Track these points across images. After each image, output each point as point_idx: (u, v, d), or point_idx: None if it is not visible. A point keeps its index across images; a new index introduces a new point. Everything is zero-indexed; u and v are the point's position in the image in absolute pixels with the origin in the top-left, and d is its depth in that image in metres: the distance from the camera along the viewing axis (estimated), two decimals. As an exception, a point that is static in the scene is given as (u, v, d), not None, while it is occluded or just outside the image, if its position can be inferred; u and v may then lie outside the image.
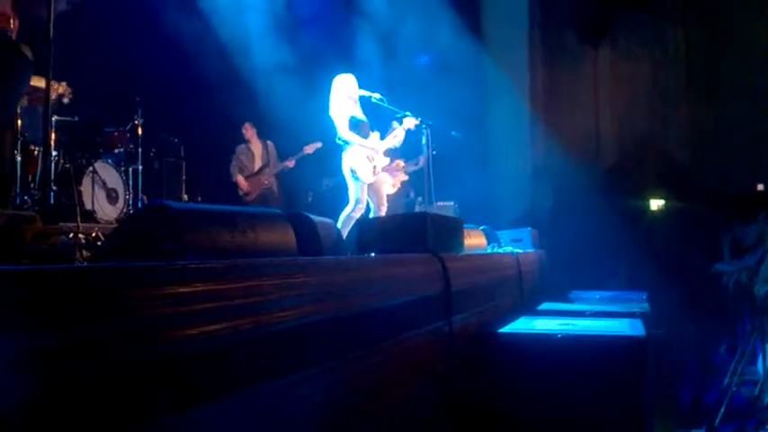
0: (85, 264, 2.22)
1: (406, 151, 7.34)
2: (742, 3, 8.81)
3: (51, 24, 3.24)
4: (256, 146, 8.26)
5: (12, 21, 3.49)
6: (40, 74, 3.87)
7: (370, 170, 5.88)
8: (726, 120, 8.67)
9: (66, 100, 4.99)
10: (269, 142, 8.30)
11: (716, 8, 8.92)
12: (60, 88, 4.87)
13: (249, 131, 8.25)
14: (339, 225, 5.41)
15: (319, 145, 7.92)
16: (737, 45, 8.68)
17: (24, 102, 4.22)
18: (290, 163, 8.14)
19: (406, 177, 8.02)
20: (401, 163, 7.68)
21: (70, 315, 1.18)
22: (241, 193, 8.08)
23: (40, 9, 3.43)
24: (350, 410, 2.14)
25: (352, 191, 5.85)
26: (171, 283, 1.43)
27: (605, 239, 7.88)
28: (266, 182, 8.12)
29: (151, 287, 1.38)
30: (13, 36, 3.45)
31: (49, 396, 1.11)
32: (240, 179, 8.09)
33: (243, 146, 8.26)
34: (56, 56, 3.28)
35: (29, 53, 3.52)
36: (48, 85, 3.35)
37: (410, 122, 6.02)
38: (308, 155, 8.04)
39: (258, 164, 8.21)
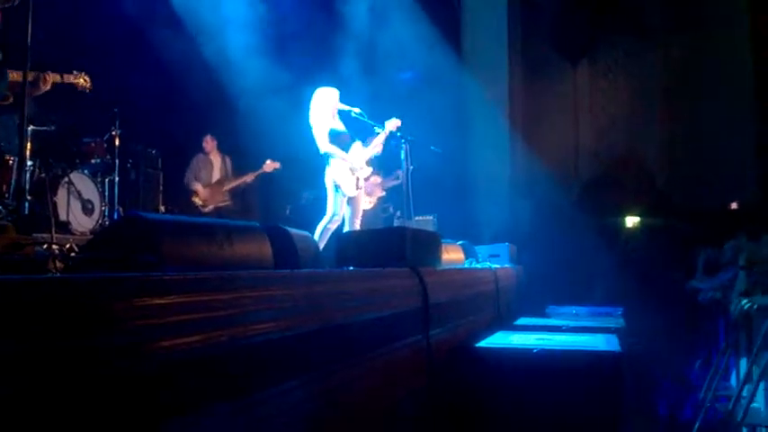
0: (59, 275, 2.19)
1: (385, 166, 7.37)
2: (723, 22, 8.96)
3: (29, 29, 3.22)
4: (216, 157, 8.25)
5: None
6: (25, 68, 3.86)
7: (353, 183, 5.90)
8: (703, 139, 8.80)
9: (87, 90, 4.96)
10: (227, 157, 8.30)
11: (696, 27, 9.07)
12: (81, 79, 4.85)
13: (210, 144, 8.25)
14: (316, 237, 5.41)
15: (278, 165, 7.96)
16: (717, 64, 8.82)
17: (9, 99, 4.17)
18: (249, 180, 8.12)
19: (383, 193, 8.05)
20: (378, 179, 7.71)
21: (43, 326, 1.17)
22: (198, 202, 8.01)
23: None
24: (328, 424, 2.13)
25: (331, 203, 5.86)
26: (147, 295, 1.42)
27: (582, 255, 7.94)
28: (224, 196, 8.10)
29: (127, 299, 1.37)
30: None
31: (20, 409, 1.08)
32: (199, 187, 8.05)
33: (201, 155, 8.23)
34: (33, 65, 3.26)
35: None
36: (23, 93, 3.32)
37: (392, 124, 6.04)
38: (275, 171, 8.04)
39: (216, 175, 8.21)
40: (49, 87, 4.36)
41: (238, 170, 8.29)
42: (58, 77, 4.42)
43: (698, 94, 8.93)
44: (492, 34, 9.36)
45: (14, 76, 3.66)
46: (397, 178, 8.05)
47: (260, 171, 8.10)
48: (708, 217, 7.86)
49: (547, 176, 8.91)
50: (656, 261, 8.28)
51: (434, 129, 7.48)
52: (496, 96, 9.19)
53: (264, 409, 1.77)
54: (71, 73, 4.75)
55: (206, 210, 7.97)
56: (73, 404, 1.18)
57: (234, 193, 8.23)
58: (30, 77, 3.85)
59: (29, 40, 3.28)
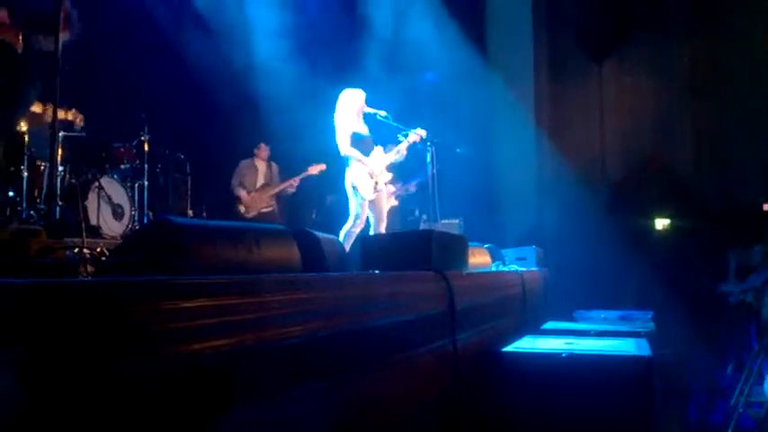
0: (90, 278, 2.22)
1: (409, 168, 7.35)
2: (748, 20, 8.82)
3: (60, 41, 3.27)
4: (261, 164, 8.28)
5: (18, 36, 3.53)
6: (46, 98, 3.93)
7: (371, 187, 5.89)
8: (732, 138, 8.66)
9: (77, 126, 5.02)
10: (273, 163, 8.34)
11: (721, 25, 8.94)
12: (70, 115, 4.91)
13: (264, 152, 8.27)
14: (340, 241, 5.42)
15: (323, 167, 7.97)
16: (744, 63, 8.68)
17: (24, 125, 4.25)
18: (294, 183, 8.15)
19: (396, 202, 8.03)
20: (392, 187, 7.69)
21: (74, 330, 1.18)
22: (242, 209, 8.06)
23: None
24: (354, 427, 2.13)
25: (353, 206, 5.87)
26: (176, 299, 1.43)
27: (610, 258, 7.86)
28: (268, 201, 8.12)
29: (156, 302, 1.38)
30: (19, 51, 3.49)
31: (50, 412, 1.10)
32: (243, 194, 8.08)
33: (248, 161, 8.27)
34: (64, 71, 3.31)
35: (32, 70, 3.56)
36: (55, 103, 3.38)
37: (415, 136, 6.03)
38: (315, 174, 8.08)
39: (261, 181, 8.23)
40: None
41: (283, 176, 8.32)
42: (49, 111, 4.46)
43: (725, 91, 8.79)
44: (517, 34, 9.32)
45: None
46: (408, 189, 8.06)
47: (305, 174, 8.12)
48: (739, 218, 7.72)
49: (574, 178, 8.83)
50: (686, 264, 8.16)
51: (460, 130, 7.47)
52: (522, 96, 9.14)
53: (291, 412, 1.77)
54: (62, 108, 4.78)
55: (249, 215, 8.01)
56: (104, 408, 1.19)
57: (279, 197, 8.27)
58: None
59: (59, 46, 3.34)
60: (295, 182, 8.16)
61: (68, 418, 1.13)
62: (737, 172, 8.47)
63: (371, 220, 6.01)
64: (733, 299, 6.03)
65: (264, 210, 8.10)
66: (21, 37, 3.37)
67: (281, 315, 1.77)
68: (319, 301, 2.00)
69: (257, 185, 8.19)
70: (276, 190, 8.17)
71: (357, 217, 5.82)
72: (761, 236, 6.20)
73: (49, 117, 4.09)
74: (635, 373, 3.05)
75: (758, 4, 8.77)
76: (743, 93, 8.62)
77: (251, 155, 8.27)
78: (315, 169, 8.05)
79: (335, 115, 5.90)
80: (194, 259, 1.84)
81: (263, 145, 8.25)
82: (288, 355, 1.77)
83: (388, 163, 6.10)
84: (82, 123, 5.01)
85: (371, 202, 5.93)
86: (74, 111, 4.96)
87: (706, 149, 8.96)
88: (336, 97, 5.99)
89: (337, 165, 6.19)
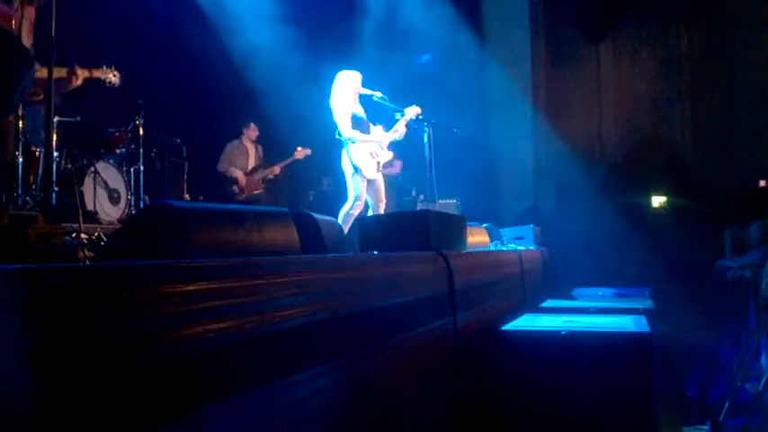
0: (89, 263, 2.22)
1: (407, 148, 7.33)
2: (747, 1, 8.79)
3: (53, 22, 3.24)
4: (250, 145, 8.24)
5: (12, 20, 3.49)
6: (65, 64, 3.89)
7: (373, 166, 5.89)
8: (729, 116, 8.66)
9: (116, 85, 4.98)
10: (259, 146, 8.30)
11: (719, 5, 8.91)
12: (110, 74, 4.88)
13: (253, 132, 8.21)
14: (339, 222, 5.42)
15: (309, 152, 7.96)
16: (741, 42, 8.66)
17: (40, 96, 4.18)
18: (277, 169, 8.13)
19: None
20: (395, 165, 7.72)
21: (77, 314, 1.18)
22: (237, 189, 8.02)
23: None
24: (356, 409, 2.14)
25: (352, 187, 5.86)
26: (177, 282, 1.43)
27: (608, 236, 7.88)
28: (258, 185, 8.11)
29: (158, 286, 1.38)
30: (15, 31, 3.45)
31: (54, 396, 1.10)
32: (240, 174, 8.04)
33: (236, 142, 8.20)
34: (58, 56, 3.29)
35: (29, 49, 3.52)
36: (50, 86, 3.36)
37: (411, 112, 6.02)
38: (300, 159, 8.06)
39: (252, 163, 8.20)
40: (81, 83, 4.37)
41: (266, 160, 8.30)
42: (86, 73, 4.43)
43: (722, 71, 8.78)
44: (514, 14, 9.29)
45: (43, 72, 3.69)
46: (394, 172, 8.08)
47: (291, 159, 8.10)
48: (735, 196, 7.74)
49: (571, 157, 8.84)
50: (684, 241, 8.19)
51: (457, 111, 7.45)
52: (519, 77, 9.13)
53: (292, 394, 1.78)
54: (100, 68, 4.77)
55: (241, 197, 7.99)
56: (104, 391, 1.20)
57: (266, 181, 8.25)
58: (62, 74, 3.88)
59: (53, 32, 3.31)
60: (278, 168, 8.13)
61: (70, 400, 1.13)
62: (734, 151, 8.49)
63: (370, 203, 6.00)
64: (731, 275, 6.05)
65: (255, 192, 8.09)
66: (14, 22, 3.34)
67: (281, 297, 1.78)
68: (319, 283, 2.01)
69: (248, 168, 8.17)
70: (265, 174, 8.15)
71: (357, 198, 5.81)
72: (758, 213, 6.21)
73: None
74: (634, 349, 3.08)
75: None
76: (741, 74, 8.61)
77: (238, 135, 8.21)
78: (300, 154, 8.04)
79: (332, 97, 5.87)
80: (194, 242, 1.84)
81: (252, 125, 8.19)
82: (288, 336, 1.78)
83: (388, 142, 6.10)
84: (117, 81, 4.96)
85: (371, 184, 5.92)
86: (112, 68, 4.91)
87: (703, 129, 8.97)
88: (332, 78, 5.96)
89: (332, 148, 6.17)
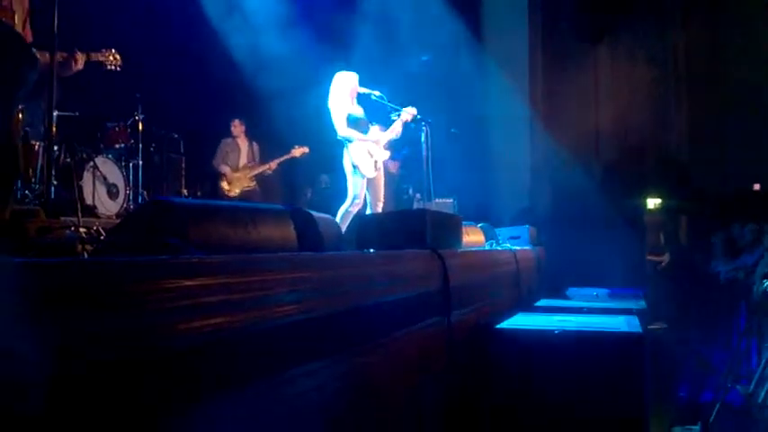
0: (89, 257, 2.24)
1: (398, 146, 7.35)
2: (744, 3, 8.83)
3: (56, 11, 3.26)
4: (243, 142, 8.27)
5: (14, 15, 3.50)
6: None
7: (371, 165, 5.92)
8: (725, 120, 8.70)
9: (117, 67, 4.98)
10: (255, 142, 8.33)
11: (716, 7, 8.94)
12: (110, 55, 4.87)
13: (238, 128, 8.27)
14: (337, 220, 5.44)
15: (306, 150, 7.98)
16: (738, 45, 8.70)
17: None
18: (273, 166, 8.15)
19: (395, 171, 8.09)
20: (392, 165, 7.74)
21: (78, 308, 1.20)
22: (225, 186, 8.05)
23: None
24: (352, 405, 2.17)
25: (351, 186, 5.89)
26: (175, 277, 1.45)
27: (603, 237, 7.91)
28: (250, 181, 8.13)
29: (156, 280, 1.40)
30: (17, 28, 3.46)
31: (53, 391, 1.12)
32: (227, 170, 8.08)
33: (229, 139, 8.25)
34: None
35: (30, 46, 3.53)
36: (51, 76, 3.37)
37: (408, 114, 6.05)
38: (297, 157, 8.09)
39: (243, 160, 8.23)
40: (81, 67, 4.37)
41: (264, 156, 8.33)
42: (86, 56, 4.44)
43: (718, 74, 8.82)
44: (512, 16, 9.30)
45: (45, 57, 3.69)
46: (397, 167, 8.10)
47: (287, 156, 8.12)
48: (730, 198, 7.78)
49: (567, 158, 8.87)
50: (678, 243, 8.23)
51: (454, 111, 7.47)
52: (517, 78, 9.14)
53: (288, 390, 1.80)
54: (99, 51, 4.77)
55: (231, 194, 8.01)
56: (104, 386, 1.21)
57: (259, 177, 8.27)
58: (60, 58, 3.88)
59: (55, 21, 3.32)
60: (273, 165, 8.15)
61: (67, 394, 1.15)
62: (729, 154, 8.53)
63: (368, 201, 6.04)
64: (723, 277, 6.09)
65: (247, 188, 8.11)
66: (15, 12, 3.35)
67: (279, 294, 1.80)
68: (316, 280, 2.03)
69: (239, 164, 8.19)
70: (257, 170, 8.17)
71: (356, 197, 5.84)
72: (751, 216, 6.25)
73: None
74: (626, 349, 3.11)
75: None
76: (737, 77, 8.65)
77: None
78: (297, 152, 8.07)
79: (329, 98, 5.90)
80: (193, 238, 1.87)
81: (236, 122, 8.23)
82: (285, 333, 1.80)
83: (385, 141, 6.14)
84: (119, 62, 4.94)
85: (370, 182, 5.95)
86: (112, 51, 4.90)
87: (698, 130, 9.01)
88: (330, 77, 5.99)
89: (331, 146, 6.20)
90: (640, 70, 9.30)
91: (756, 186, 7.97)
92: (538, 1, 9.45)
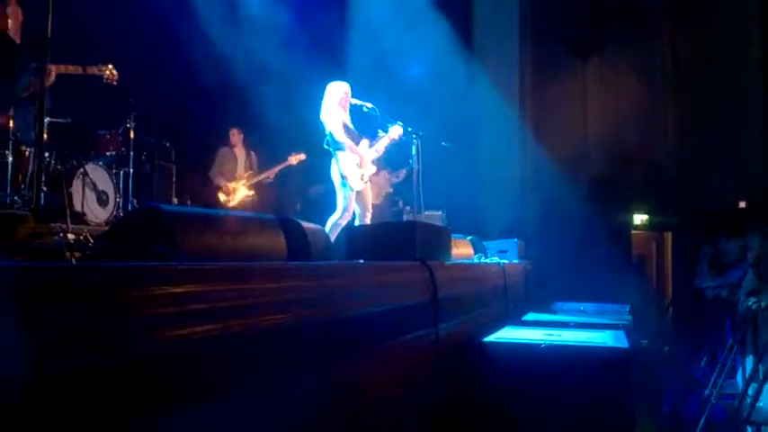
0: (77, 263, 2.24)
1: (395, 160, 7.40)
2: (730, 18, 8.94)
3: (50, 20, 3.27)
4: (240, 152, 8.26)
5: (8, 19, 3.51)
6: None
7: (358, 177, 5.91)
8: (712, 136, 8.79)
9: (114, 82, 4.98)
10: (252, 152, 8.31)
11: (703, 22, 9.06)
12: (107, 71, 4.87)
13: (236, 137, 8.25)
14: (326, 231, 5.44)
15: (303, 157, 7.97)
16: (725, 60, 8.80)
17: (30, 90, 4.17)
18: (271, 174, 8.15)
19: (390, 190, 8.09)
20: (387, 175, 7.74)
21: (64, 313, 1.20)
22: (222, 198, 8.04)
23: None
24: (337, 415, 2.17)
25: (341, 198, 5.88)
26: (164, 284, 1.45)
27: (590, 252, 7.95)
28: (248, 191, 8.12)
29: (145, 287, 1.40)
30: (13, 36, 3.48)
31: (38, 394, 1.12)
32: (224, 182, 8.07)
33: (226, 149, 8.23)
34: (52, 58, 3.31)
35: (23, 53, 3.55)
36: (42, 86, 3.38)
37: (395, 132, 6.04)
38: (294, 165, 8.08)
39: (240, 170, 8.21)
40: (53, 79, 4.36)
41: (260, 165, 8.31)
42: (80, 69, 4.44)
43: (707, 89, 8.93)
44: (503, 30, 9.38)
45: (69, 69, 3.70)
46: (398, 176, 8.12)
47: (284, 164, 8.10)
48: (716, 215, 7.85)
49: (556, 172, 8.92)
50: (664, 258, 8.28)
51: (445, 124, 7.51)
52: (507, 92, 9.21)
53: (275, 399, 1.81)
54: (95, 65, 4.77)
55: (230, 204, 7.99)
56: (91, 390, 1.21)
57: (257, 187, 8.25)
58: (70, 70, 3.89)
59: (49, 31, 3.33)
60: (272, 173, 8.15)
61: (56, 400, 1.15)
62: (717, 171, 8.61)
63: (357, 213, 6.03)
64: (709, 293, 6.14)
65: (245, 198, 8.10)
66: (10, 21, 3.36)
67: (267, 302, 1.81)
68: (305, 290, 2.04)
69: (237, 174, 8.17)
70: (255, 180, 8.16)
71: (345, 209, 5.84)
72: (737, 232, 6.30)
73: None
74: (613, 363, 3.13)
75: (740, 0, 8.90)
76: (726, 93, 8.75)
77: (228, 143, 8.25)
78: (294, 159, 8.05)
79: (322, 108, 5.91)
80: (182, 246, 1.87)
81: (235, 130, 8.20)
82: (273, 342, 1.81)
83: (371, 157, 6.13)
84: (115, 77, 4.94)
85: (358, 194, 5.95)
86: (109, 66, 4.90)
87: (687, 146, 9.10)
88: (322, 89, 6.00)
89: (321, 156, 6.20)
90: (628, 85, 9.39)
91: (742, 204, 8.05)
92: (528, 16, 9.54)
